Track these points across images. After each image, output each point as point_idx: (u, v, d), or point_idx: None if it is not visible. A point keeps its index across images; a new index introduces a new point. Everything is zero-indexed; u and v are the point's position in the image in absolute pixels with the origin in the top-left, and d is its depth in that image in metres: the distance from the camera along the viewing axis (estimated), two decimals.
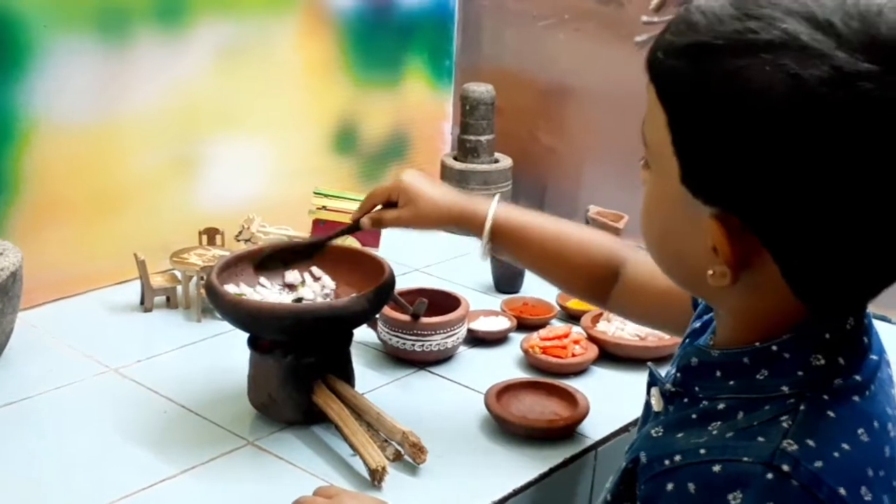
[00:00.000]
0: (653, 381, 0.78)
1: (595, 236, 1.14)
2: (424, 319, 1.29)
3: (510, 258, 1.15)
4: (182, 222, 1.57)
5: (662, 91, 0.65)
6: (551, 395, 1.22)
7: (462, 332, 1.33)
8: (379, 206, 1.13)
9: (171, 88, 1.55)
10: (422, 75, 1.95)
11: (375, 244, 1.62)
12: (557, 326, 1.39)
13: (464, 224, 1.10)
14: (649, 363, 0.81)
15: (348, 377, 1.19)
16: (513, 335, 1.40)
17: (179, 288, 1.48)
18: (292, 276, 1.22)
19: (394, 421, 1.10)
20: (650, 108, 0.67)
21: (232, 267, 1.21)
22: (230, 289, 1.17)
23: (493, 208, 1.09)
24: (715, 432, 0.67)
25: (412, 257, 1.63)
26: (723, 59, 0.61)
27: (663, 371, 0.78)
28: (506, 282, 1.55)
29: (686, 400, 0.72)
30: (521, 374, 1.30)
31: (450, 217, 1.10)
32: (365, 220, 1.13)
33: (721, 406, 0.69)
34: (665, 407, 0.75)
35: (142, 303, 1.48)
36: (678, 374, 0.74)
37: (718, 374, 0.70)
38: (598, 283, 1.09)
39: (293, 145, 1.75)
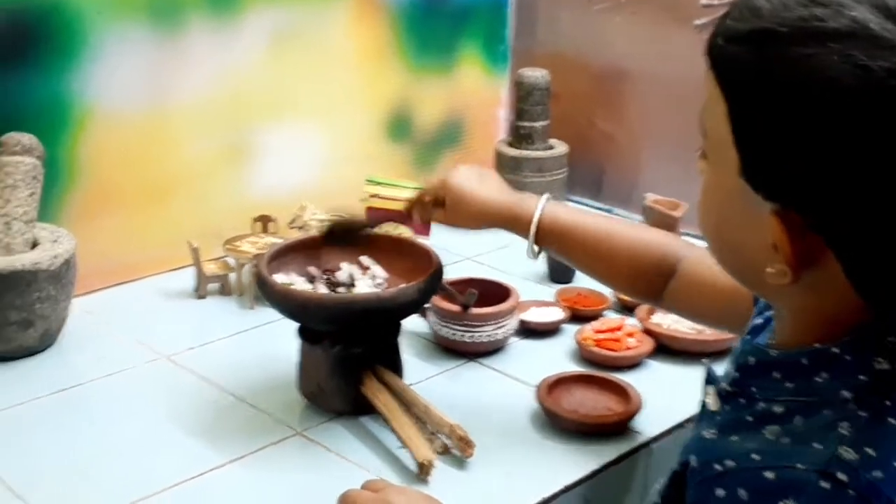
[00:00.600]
0: (709, 380, 0.76)
1: (648, 233, 1.11)
2: (474, 310, 1.27)
3: (559, 257, 1.13)
4: (235, 210, 1.57)
5: (723, 79, 0.63)
6: (604, 390, 1.19)
7: (513, 323, 1.31)
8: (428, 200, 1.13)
9: (224, 76, 1.55)
10: (476, 60, 1.92)
11: (426, 233, 1.60)
12: (611, 318, 1.36)
13: (510, 225, 1.09)
14: (705, 360, 0.79)
15: (397, 368, 1.18)
16: (566, 326, 1.38)
17: (232, 275, 1.48)
18: (343, 274, 1.21)
19: (441, 413, 1.08)
20: (709, 96, 0.65)
21: (282, 256, 1.20)
22: (280, 278, 1.16)
23: (540, 208, 1.07)
24: (770, 437, 0.65)
25: (464, 246, 1.61)
26: (787, 47, 0.58)
27: (721, 369, 0.76)
28: (560, 272, 1.52)
29: (742, 400, 0.70)
30: (574, 367, 1.28)
31: (496, 219, 1.09)
32: (416, 213, 1.12)
33: (778, 409, 0.66)
34: (721, 406, 0.73)
35: (195, 290, 1.48)
36: (735, 374, 0.72)
37: (776, 374, 0.68)
38: (651, 280, 1.06)
39: (346, 132, 1.74)
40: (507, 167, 1.79)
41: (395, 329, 1.18)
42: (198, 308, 1.45)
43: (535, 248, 1.08)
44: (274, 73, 1.61)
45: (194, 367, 1.27)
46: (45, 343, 1.28)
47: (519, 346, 1.34)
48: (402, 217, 1.16)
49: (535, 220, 1.06)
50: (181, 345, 1.32)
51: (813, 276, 0.63)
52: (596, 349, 1.28)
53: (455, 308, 1.28)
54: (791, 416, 0.65)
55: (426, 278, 1.11)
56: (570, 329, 1.36)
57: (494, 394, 1.23)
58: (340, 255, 1.23)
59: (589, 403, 1.17)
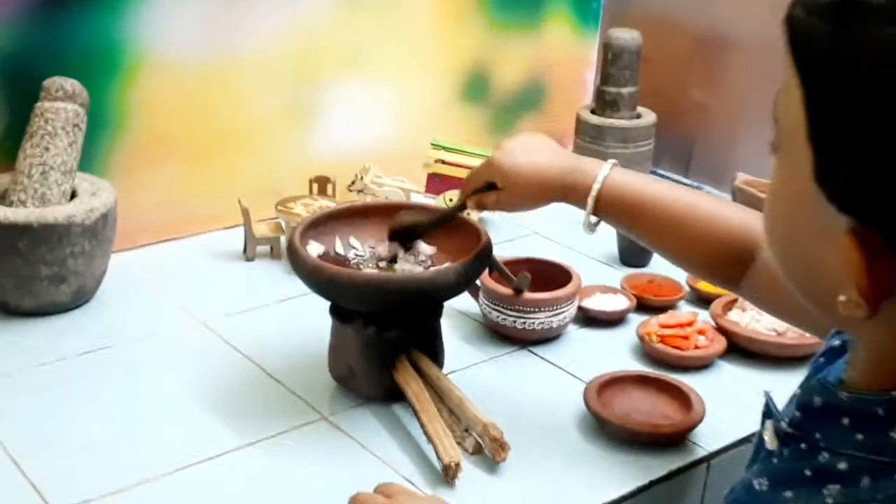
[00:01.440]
0: (768, 412, 0.64)
1: (731, 211, 0.96)
2: (528, 295, 1.16)
3: (623, 231, 1.00)
4: (293, 169, 1.49)
5: (799, 59, 0.51)
6: (662, 393, 1.07)
7: (570, 311, 1.20)
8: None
9: (290, 27, 1.46)
10: (565, 18, 1.78)
11: None
12: (681, 312, 1.23)
13: (567, 195, 0.97)
14: (766, 391, 0.66)
15: (435, 354, 1.08)
16: (631, 316, 1.26)
17: (283, 238, 1.41)
18: (385, 248, 1.11)
19: (476, 409, 0.98)
20: (786, 78, 0.52)
21: (322, 225, 1.11)
22: (315, 249, 1.08)
23: (603, 174, 0.94)
24: (829, 500, 0.53)
25: (529, 218, 1.49)
26: (878, 24, 0.46)
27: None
28: (632, 254, 1.40)
29: (804, 446, 0.58)
30: (634, 364, 1.16)
31: (553, 190, 0.97)
32: (469, 205, 1.02)
33: (843, 465, 0.54)
34: (779, 448, 0.61)
35: (244, 251, 1.41)
36: (797, 413, 0.59)
37: (846, 422, 0.55)
38: (729, 263, 0.93)
39: (417, 92, 1.64)
40: (587, 135, 1.67)
41: (436, 312, 1.08)
42: (243, 271, 1.38)
43: (593, 218, 0.96)
44: (344, 26, 1.52)
45: (229, 335, 1.20)
46: (78, 300, 1.23)
47: (576, 335, 1.23)
48: (453, 214, 1.06)
49: (595, 186, 0.94)
50: (219, 310, 1.25)
51: (894, 312, 0.50)
52: (660, 346, 1.15)
53: (507, 291, 1.17)
54: (857, 477, 0.53)
55: (469, 260, 1.01)
56: (636, 320, 1.24)
57: (542, 388, 1.12)
58: (385, 226, 1.14)
59: (644, 409, 1.06)
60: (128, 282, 1.30)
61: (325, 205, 1.41)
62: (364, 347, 1.04)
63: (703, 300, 1.29)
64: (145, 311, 1.25)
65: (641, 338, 1.17)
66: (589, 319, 1.24)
